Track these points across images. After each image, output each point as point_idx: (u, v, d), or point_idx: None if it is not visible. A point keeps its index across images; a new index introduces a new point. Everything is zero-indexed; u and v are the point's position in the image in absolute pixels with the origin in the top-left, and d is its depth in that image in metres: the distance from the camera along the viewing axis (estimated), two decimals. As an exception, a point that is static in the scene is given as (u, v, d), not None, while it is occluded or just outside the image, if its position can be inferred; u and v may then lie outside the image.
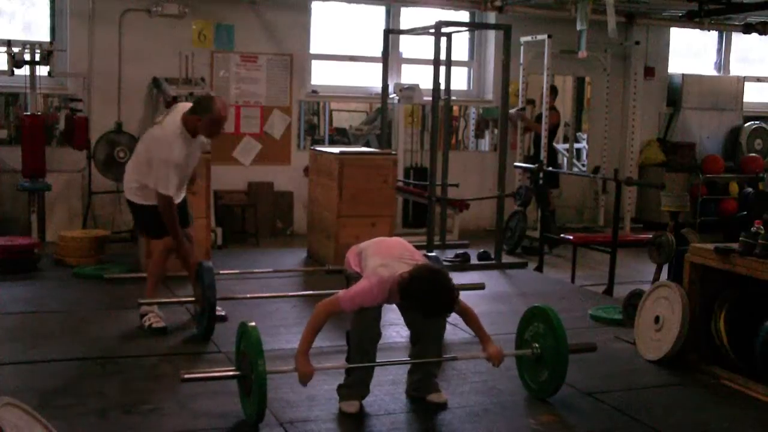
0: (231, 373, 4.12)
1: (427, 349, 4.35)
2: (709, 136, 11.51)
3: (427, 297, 3.87)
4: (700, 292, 5.02)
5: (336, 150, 7.85)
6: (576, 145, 11.05)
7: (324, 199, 7.73)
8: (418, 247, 4.63)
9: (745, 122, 11.62)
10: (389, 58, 8.93)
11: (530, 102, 10.34)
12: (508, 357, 5.11)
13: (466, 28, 10.03)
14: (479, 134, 10.49)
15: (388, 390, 4.45)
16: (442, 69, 8.11)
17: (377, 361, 4.33)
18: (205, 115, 5.26)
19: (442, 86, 8.13)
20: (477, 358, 4.47)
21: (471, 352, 5.23)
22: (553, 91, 10.16)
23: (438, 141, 8.16)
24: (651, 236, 6.07)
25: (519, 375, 4.60)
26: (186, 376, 4.04)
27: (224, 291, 5.72)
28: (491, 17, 9.94)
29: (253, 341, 3.89)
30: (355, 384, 4.25)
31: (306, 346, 4.02)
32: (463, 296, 6.36)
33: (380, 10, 10.05)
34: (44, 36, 8.75)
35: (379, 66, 8.93)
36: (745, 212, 9.36)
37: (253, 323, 4.02)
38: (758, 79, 12.13)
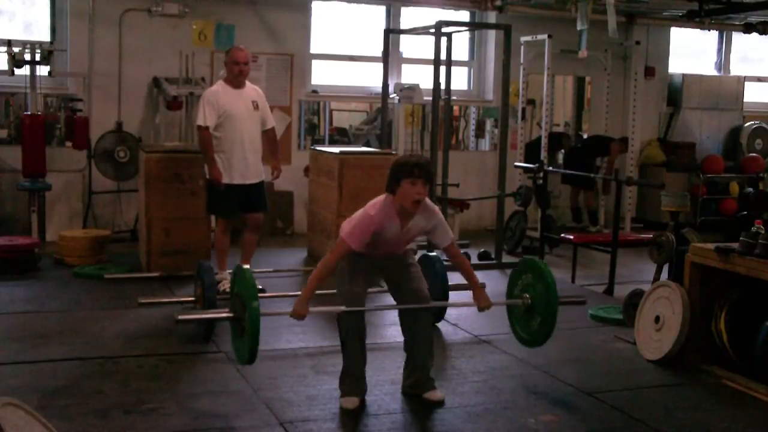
0: (225, 314, 4.22)
1: (417, 340, 4.37)
2: (709, 136, 11.51)
3: (406, 157, 4.30)
4: (700, 292, 5.02)
5: (336, 150, 7.85)
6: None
7: (324, 198, 7.73)
8: (418, 247, 4.68)
9: (745, 122, 11.63)
10: (389, 58, 8.93)
11: (530, 102, 10.34)
12: (502, 357, 5.12)
13: (466, 28, 10.03)
14: (479, 134, 10.50)
15: (387, 390, 4.45)
16: (443, 69, 8.10)
17: (373, 350, 4.35)
18: (227, 57, 6.38)
19: (442, 86, 8.13)
20: (468, 305, 4.59)
21: (470, 351, 5.25)
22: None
23: (438, 141, 8.16)
24: (651, 236, 6.07)
25: (510, 327, 4.70)
26: (180, 317, 4.16)
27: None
28: (491, 17, 9.94)
29: (247, 283, 3.96)
30: (349, 373, 4.27)
31: (310, 292, 4.14)
32: (464, 296, 6.39)
33: (380, 10, 10.05)
34: (44, 36, 8.75)
35: (379, 66, 8.93)
36: (745, 212, 9.35)
37: (248, 265, 4.15)
38: (758, 79, 12.13)
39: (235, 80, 6.36)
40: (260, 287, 6.52)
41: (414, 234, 4.31)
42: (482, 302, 4.44)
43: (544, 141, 9.87)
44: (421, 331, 4.37)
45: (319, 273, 4.17)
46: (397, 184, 4.10)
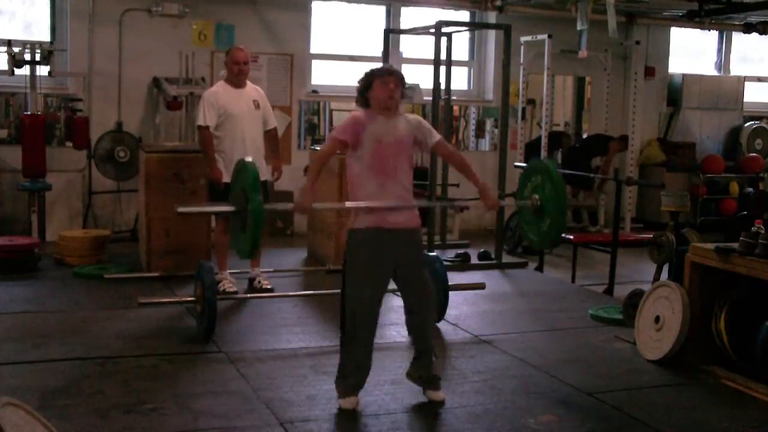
0: (227, 208, 4.36)
1: (423, 337, 4.36)
2: (709, 136, 11.51)
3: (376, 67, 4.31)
4: (700, 292, 5.02)
5: (336, 150, 7.83)
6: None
7: (324, 199, 7.70)
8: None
9: (745, 122, 11.63)
10: (389, 58, 8.92)
11: (530, 102, 10.34)
12: (502, 357, 5.12)
13: (466, 28, 10.03)
14: (479, 134, 10.50)
15: (388, 390, 4.45)
16: (443, 69, 8.10)
17: (376, 350, 4.29)
18: (226, 57, 6.46)
19: (442, 86, 8.13)
20: (476, 200, 4.60)
21: (470, 351, 5.25)
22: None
23: (438, 141, 8.14)
24: (651, 236, 6.07)
25: (522, 230, 4.82)
26: (181, 210, 4.39)
27: (224, 291, 5.72)
28: (491, 17, 9.94)
29: (250, 177, 4.01)
30: (352, 373, 4.21)
31: (312, 182, 4.14)
32: (464, 296, 6.40)
33: (380, 10, 10.05)
34: (44, 36, 8.75)
35: (379, 66, 8.90)
36: (745, 212, 9.35)
37: (250, 158, 4.32)
38: (758, 79, 12.13)
39: (235, 80, 6.40)
40: (270, 287, 6.53)
41: (404, 132, 4.18)
42: (489, 201, 4.42)
43: (544, 141, 9.87)
44: (429, 325, 4.40)
45: (314, 166, 4.25)
46: (370, 88, 4.14)
